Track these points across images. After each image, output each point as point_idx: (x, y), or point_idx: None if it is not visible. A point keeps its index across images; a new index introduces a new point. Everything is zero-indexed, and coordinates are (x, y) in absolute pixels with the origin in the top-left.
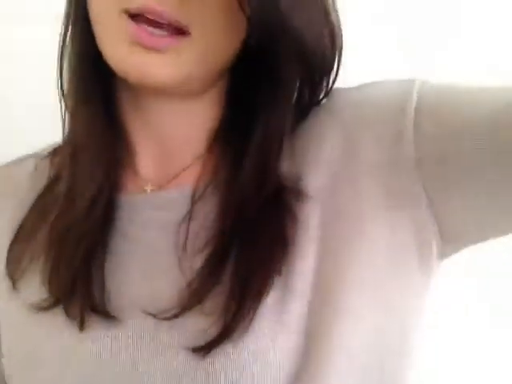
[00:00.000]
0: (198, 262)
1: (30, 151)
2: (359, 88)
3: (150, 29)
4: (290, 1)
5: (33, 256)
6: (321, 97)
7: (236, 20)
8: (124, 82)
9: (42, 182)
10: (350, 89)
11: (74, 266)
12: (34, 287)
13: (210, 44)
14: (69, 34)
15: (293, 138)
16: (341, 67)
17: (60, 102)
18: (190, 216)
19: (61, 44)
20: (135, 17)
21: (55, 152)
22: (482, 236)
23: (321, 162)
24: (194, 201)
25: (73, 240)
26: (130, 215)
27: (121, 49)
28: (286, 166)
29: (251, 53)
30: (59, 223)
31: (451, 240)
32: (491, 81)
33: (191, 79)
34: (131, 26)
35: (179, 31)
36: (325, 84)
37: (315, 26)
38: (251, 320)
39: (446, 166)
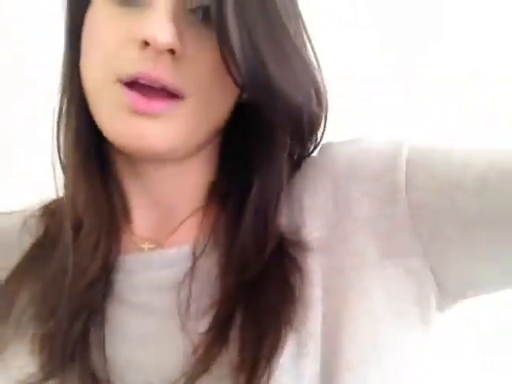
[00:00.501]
0: (203, 325)
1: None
2: (351, 142)
3: (146, 98)
4: (277, 66)
5: (18, 324)
6: (311, 150)
7: (228, 83)
8: (119, 153)
9: (28, 240)
10: (342, 143)
11: (71, 336)
12: (22, 359)
13: (203, 107)
14: (64, 108)
15: (288, 189)
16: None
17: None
18: (191, 276)
19: (57, 119)
20: (129, 85)
21: (45, 211)
22: (480, 289)
23: (316, 214)
24: (195, 259)
25: (71, 309)
26: (128, 277)
27: (117, 118)
28: (284, 218)
29: (243, 112)
30: (53, 291)
31: (450, 293)
32: (472, 84)
33: (187, 143)
34: (126, 93)
35: (173, 95)
36: (314, 138)
37: (303, 88)
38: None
39: (440, 220)
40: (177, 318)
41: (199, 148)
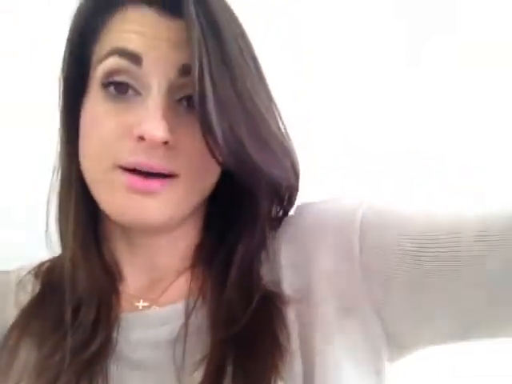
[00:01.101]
0: (197, 376)
1: None
2: (321, 203)
3: (143, 177)
4: (257, 149)
5: (20, 378)
6: (288, 210)
7: (215, 164)
8: (115, 223)
9: (24, 297)
10: (313, 204)
11: None
12: None
13: (195, 182)
14: (63, 192)
15: (269, 245)
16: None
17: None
18: (185, 333)
19: (58, 203)
20: (128, 170)
21: (38, 271)
22: (429, 343)
23: (291, 270)
24: (187, 317)
25: (75, 374)
26: (126, 335)
27: (118, 198)
28: (266, 273)
29: (225, 177)
30: (52, 350)
31: (397, 345)
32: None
33: (181, 214)
34: (125, 177)
35: (168, 175)
36: (291, 200)
37: (280, 164)
38: None
39: (387, 280)
40: (173, 373)
41: (187, 217)
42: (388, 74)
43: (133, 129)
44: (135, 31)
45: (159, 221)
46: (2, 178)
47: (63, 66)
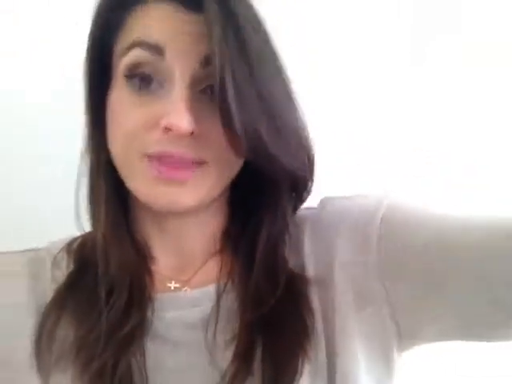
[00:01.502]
0: (228, 355)
1: None
2: (343, 198)
3: (172, 164)
4: (275, 143)
5: (61, 355)
6: (305, 197)
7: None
8: (144, 205)
9: (60, 274)
10: (336, 198)
11: (118, 374)
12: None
13: (222, 168)
14: (93, 175)
15: (294, 233)
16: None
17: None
18: (216, 314)
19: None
20: (156, 158)
21: (70, 247)
22: (436, 338)
23: (313, 258)
24: (218, 299)
25: (114, 352)
26: (159, 315)
27: (149, 186)
28: (290, 258)
29: (248, 165)
30: (89, 329)
31: (408, 337)
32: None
33: (210, 199)
34: (153, 166)
35: (197, 162)
36: (308, 189)
37: (295, 153)
38: None
39: (403, 276)
40: (204, 351)
41: (214, 201)
42: (392, 72)
43: (159, 120)
44: (157, 25)
45: (190, 207)
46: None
47: (86, 59)
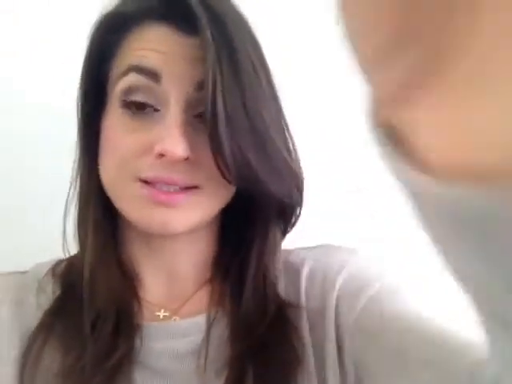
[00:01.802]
0: None
1: None
2: (347, 253)
3: (165, 189)
4: (264, 171)
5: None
6: (293, 224)
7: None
8: (134, 229)
9: (45, 299)
10: (340, 250)
11: None
12: None
13: (215, 193)
14: (82, 198)
15: (287, 266)
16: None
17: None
18: (207, 344)
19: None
20: (149, 182)
21: (55, 271)
22: None
23: (308, 297)
24: (209, 329)
25: (96, 379)
26: (148, 344)
27: (140, 209)
28: (282, 290)
29: (240, 197)
30: (75, 358)
31: None
32: None
33: (202, 223)
34: (147, 190)
35: (189, 187)
36: (295, 215)
37: (284, 181)
38: None
39: (359, 363)
40: (195, 382)
41: (206, 225)
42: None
43: (153, 145)
44: (153, 49)
45: (182, 230)
46: (18, 182)
47: (81, 82)
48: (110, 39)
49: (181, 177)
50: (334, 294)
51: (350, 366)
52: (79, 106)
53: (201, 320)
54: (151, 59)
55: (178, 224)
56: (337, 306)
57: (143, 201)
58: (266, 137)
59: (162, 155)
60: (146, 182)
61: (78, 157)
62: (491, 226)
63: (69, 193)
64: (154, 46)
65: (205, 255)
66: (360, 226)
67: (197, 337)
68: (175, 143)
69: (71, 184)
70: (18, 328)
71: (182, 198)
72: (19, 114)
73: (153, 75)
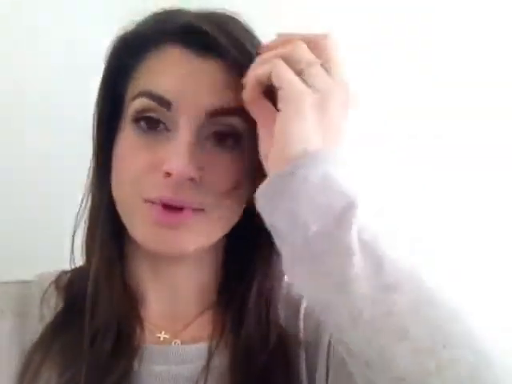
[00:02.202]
0: None
1: None
2: None
3: (172, 211)
4: None
5: None
6: None
7: (240, 196)
8: (140, 248)
9: (48, 312)
10: None
11: None
12: None
13: (221, 217)
14: (93, 213)
15: (288, 298)
16: None
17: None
18: (207, 372)
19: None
20: (157, 202)
21: (59, 284)
22: None
23: (305, 324)
24: (210, 357)
25: None
26: (147, 367)
27: (148, 230)
28: (283, 320)
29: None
30: (72, 378)
31: None
32: None
33: (208, 245)
34: (154, 211)
35: (195, 209)
36: None
37: None
38: None
39: None
40: None
41: (213, 247)
42: None
43: (161, 164)
44: (167, 73)
45: (189, 251)
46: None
47: (97, 101)
48: (127, 60)
49: (186, 196)
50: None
51: None
52: (95, 124)
53: (202, 347)
54: (163, 85)
55: (184, 245)
56: (329, 343)
57: (150, 223)
58: None
59: (168, 174)
60: (153, 203)
61: (92, 171)
62: None
63: (80, 207)
64: (169, 70)
65: (209, 279)
66: None
67: (197, 364)
68: (182, 163)
69: (82, 198)
70: (19, 342)
71: (188, 217)
72: (19, 114)
73: (163, 102)
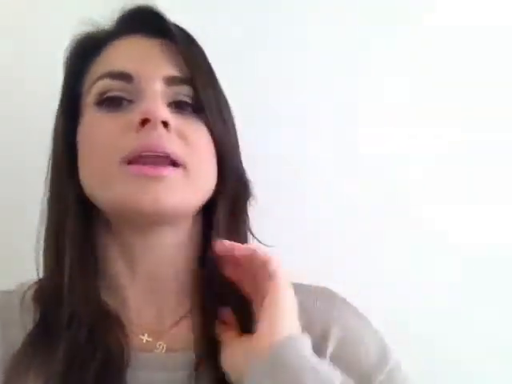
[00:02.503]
0: None
1: None
2: (351, 310)
3: (151, 165)
4: (240, 161)
5: None
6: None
7: (213, 168)
8: (109, 225)
9: (29, 320)
10: (344, 304)
11: None
12: None
13: (201, 177)
14: (56, 209)
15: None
16: None
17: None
18: (194, 379)
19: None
20: (135, 161)
21: (38, 290)
22: None
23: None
24: (197, 366)
25: None
26: (132, 373)
27: (128, 187)
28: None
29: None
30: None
31: None
32: None
33: (189, 206)
34: (134, 168)
35: (176, 164)
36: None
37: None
38: None
39: None
40: None
41: (189, 216)
42: None
43: (133, 123)
44: (123, 55)
45: (172, 205)
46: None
47: (59, 102)
48: (83, 60)
49: (167, 144)
50: (330, 348)
51: None
52: (57, 125)
53: (186, 356)
54: (121, 63)
55: (167, 198)
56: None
57: (132, 180)
58: (233, 127)
59: (143, 122)
60: (131, 161)
61: (51, 176)
62: None
63: (42, 213)
64: (123, 52)
65: (189, 263)
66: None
67: (184, 372)
68: (156, 105)
69: (42, 206)
70: (4, 351)
71: (170, 170)
72: (19, 116)
73: (124, 77)
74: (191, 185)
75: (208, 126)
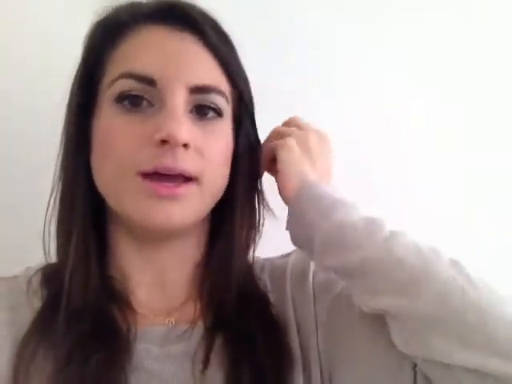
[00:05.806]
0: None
1: None
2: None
3: (165, 182)
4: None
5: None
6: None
7: (226, 173)
8: (124, 224)
9: (37, 302)
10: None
11: None
12: None
13: (213, 185)
14: (66, 206)
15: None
16: None
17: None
18: (203, 349)
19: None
20: (149, 175)
21: (44, 276)
22: None
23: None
24: (206, 335)
25: (90, 381)
26: (142, 347)
27: (141, 203)
28: (268, 281)
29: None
30: (66, 362)
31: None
32: None
33: (201, 216)
34: (148, 184)
35: (189, 179)
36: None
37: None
38: None
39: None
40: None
41: (198, 222)
42: None
43: (153, 135)
44: (147, 53)
45: (184, 224)
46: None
47: (73, 89)
48: (104, 45)
49: (181, 163)
50: (310, 288)
51: (323, 355)
52: (71, 112)
53: (197, 325)
54: (145, 64)
55: (179, 218)
56: (315, 302)
57: (145, 195)
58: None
59: (163, 142)
60: (146, 175)
61: (62, 163)
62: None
63: (49, 200)
64: (149, 48)
65: (195, 258)
66: None
67: (192, 342)
68: (176, 127)
69: (52, 191)
70: (14, 334)
71: (182, 190)
72: (19, 116)
73: (147, 81)
74: (204, 196)
75: (229, 128)
